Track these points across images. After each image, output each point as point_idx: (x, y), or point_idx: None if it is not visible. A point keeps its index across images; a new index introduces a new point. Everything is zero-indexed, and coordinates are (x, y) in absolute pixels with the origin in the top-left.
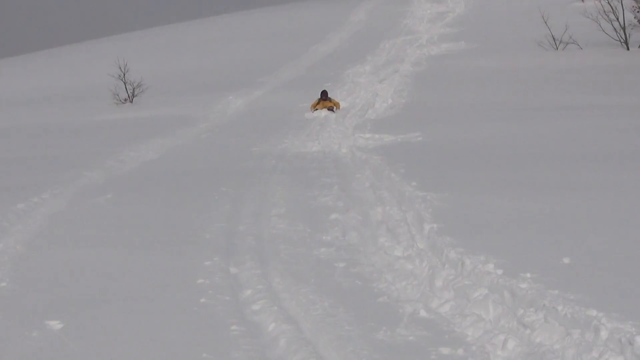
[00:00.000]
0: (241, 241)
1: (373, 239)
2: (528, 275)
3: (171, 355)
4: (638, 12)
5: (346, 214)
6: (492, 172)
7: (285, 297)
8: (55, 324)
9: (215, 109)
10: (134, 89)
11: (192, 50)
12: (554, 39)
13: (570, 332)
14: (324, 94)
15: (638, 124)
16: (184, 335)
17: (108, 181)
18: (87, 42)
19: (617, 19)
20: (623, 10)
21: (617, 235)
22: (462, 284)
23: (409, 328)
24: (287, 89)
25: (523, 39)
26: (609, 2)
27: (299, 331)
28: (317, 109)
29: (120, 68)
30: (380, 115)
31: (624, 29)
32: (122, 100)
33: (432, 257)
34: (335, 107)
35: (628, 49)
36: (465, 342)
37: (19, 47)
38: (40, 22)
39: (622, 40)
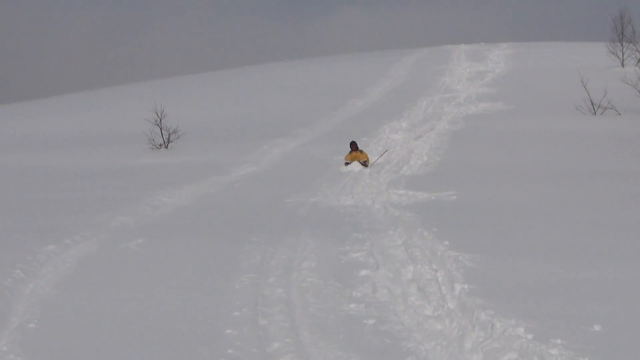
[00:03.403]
0: (271, 293)
1: (403, 297)
2: (558, 341)
3: None
4: None
5: (377, 271)
6: (526, 235)
7: (313, 352)
8: None
9: (249, 159)
10: (169, 134)
11: (230, 98)
12: (592, 103)
13: None
14: (353, 144)
15: None
16: None
17: (140, 226)
18: (127, 85)
19: None
20: None
21: None
22: (492, 347)
23: None
24: (322, 142)
25: (561, 102)
26: None
27: None
28: (348, 162)
29: (156, 113)
30: (415, 172)
31: None
32: (158, 146)
33: (462, 318)
34: (367, 162)
35: None
36: None
37: (55, 87)
38: (80, 63)
39: None
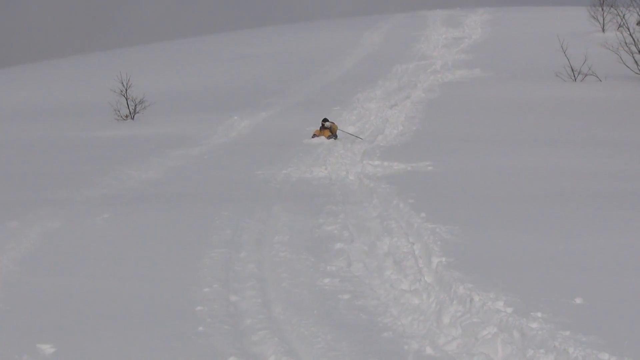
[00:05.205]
0: (242, 268)
1: (379, 271)
2: (539, 314)
3: None
4: None
5: (352, 244)
6: (505, 206)
7: (286, 328)
8: (47, 348)
9: (218, 130)
10: (135, 105)
11: (199, 67)
12: (572, 69)
13: None
14: (324, 121)
15: None
16: None
17: (105, 200)
18: (90, 54)
19: (639, 51)
20: None
21: (632, 277)
22: (470, 322)
23: None
24: (294, 112)
25: (540, 69)
26: (630, 34)
27: None
28: (316, 135)
29: (122, 83)
30: (390, 142)
31: None
32: (123, 117)
33: (439, 292)
34: (334, 134)
35: None
36: None
37: (16, 56)
38: (41, 31)
39: None
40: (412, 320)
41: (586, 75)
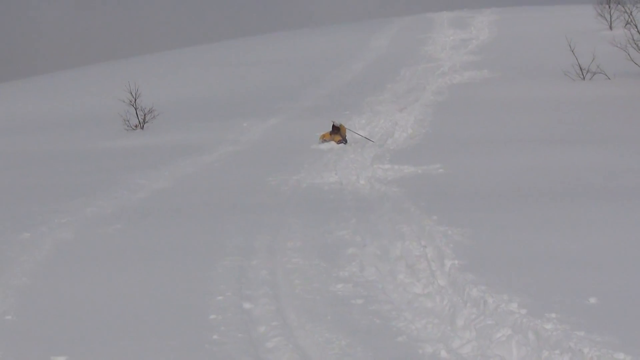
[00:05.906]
0: (255, 275)
1: (392, 275)
2: (553, 315)
3: None
4: None
5: (364, 249)
6: (516, 207)
7: (300, 334)
8: None
9: (228, 137)
10: (145, 115)
11: (207, 75)
12: (580, 68)
13: None
14: (335, 128)
15: None
16: None
17: (117, 210)
18: (99, 65)
19: None
20: None
21: None
22: (485, 324)
23: None
24: (304, 117)
25: (549, 68)
26: (638, 31)
27: None
28: (325, 140)
29: (131, 93)
30: (400, 145)
31: None
32: (133, 127)
33: (453, 294)
34: (344, 139)
35: None
36: None
37: (24, 69)
38: (50, 43)
39: None
40: (426, 323)
41: (595, 73)
